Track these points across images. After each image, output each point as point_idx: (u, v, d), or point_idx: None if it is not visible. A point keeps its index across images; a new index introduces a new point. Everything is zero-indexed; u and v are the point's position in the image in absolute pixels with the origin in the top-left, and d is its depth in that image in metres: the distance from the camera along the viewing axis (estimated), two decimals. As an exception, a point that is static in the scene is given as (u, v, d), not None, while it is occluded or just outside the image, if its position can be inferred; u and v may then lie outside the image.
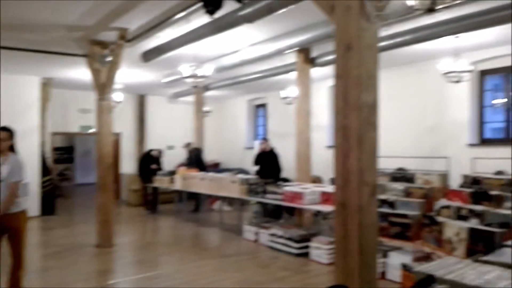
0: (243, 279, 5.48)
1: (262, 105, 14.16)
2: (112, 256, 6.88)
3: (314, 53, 7.81)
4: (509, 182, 4.62)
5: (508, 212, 4.40)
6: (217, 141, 15.12)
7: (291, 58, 7.94)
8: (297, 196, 6.81)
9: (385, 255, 5.52)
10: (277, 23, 6.09)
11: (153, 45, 7.43)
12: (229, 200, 10.00)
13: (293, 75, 8.35)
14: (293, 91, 8.92)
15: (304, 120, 7.77)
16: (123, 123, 13.16)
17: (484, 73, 8.31)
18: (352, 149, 2.79)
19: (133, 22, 6.16)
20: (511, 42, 6.81)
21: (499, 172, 4.84)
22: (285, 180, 8.86)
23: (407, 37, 6.11)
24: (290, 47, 6.77)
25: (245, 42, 7.29)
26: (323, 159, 8.99)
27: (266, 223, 7.70)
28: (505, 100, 8.01)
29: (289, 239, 6.72)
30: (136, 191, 12.16)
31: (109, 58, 7.09)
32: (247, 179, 8.09)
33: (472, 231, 4.50)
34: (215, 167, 13.75)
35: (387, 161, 6.93)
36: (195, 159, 10.97)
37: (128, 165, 13.59)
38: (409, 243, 5.46)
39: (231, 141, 15.00)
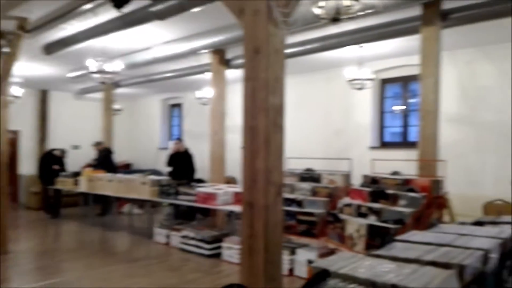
0: (152, 283, 5.33)
1: (177, 105, 13.92)
2: (7, 264, 6.25)
3: (229, 55, 7.87)
4: (403, 182, 5.05)
5: (402, 209, 4.81)
6: (129, 141, 14.54)
7: (206, 58, 7.92)
8: (210, 197, 6.79)
9: (293, 252, 5.73)
10: (190, 23, 6.05)
11: (56, 37, 6.93)
12: (140, 203, 9.66)
13: (208, 75, 8.33)
14: (208, 91, 8.90)
15: (219, 121, 7.79)
16: (22, 120, 12.06)
17: (384, 82, 9.04)
18: (260, 150, 2.86)
19: (34, 11, 5.69)
20: (408, 54, 7.49)
21: (395, 173, 5.29)
22: (200, 181, 8.80)
23: (315, 45, 6.42)
24: (204, 48, 6.76)
25: (158, 39, 7.12)
26: (238, 160, 9.07)
27: (178, 225, 7.56)
28: (403, 107, 8.77)
29: (201, 240, 6.69)
30: (36, 194, 11.26)
31: (6, 49, 6.48)
32: (159, 181, 7.89)
33: (371, 228, 4.86)
34: (126, 168, 13.21)
35: (296, 162, 7.23)
36: (104, 160, 10.42)
37: (27, 166, 12.48)
38: (315, 240, 5.74)
39: (144, 141, 14.52)
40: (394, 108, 9.03)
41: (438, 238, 2.55)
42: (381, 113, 9.17)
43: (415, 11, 5.38)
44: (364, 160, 8.52)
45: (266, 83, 2.75)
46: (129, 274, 5.77)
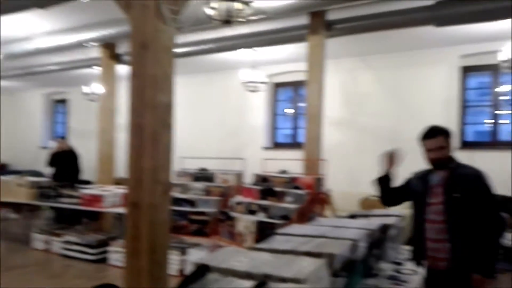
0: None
1: (62, 101, 12.90)
2: None
3: (120, 50, 7.54)
4: (290, 180, 5.35)
5: (288, 205, 5.09)
6: (6, 139, 13.08)
7: (95, 52, 7.48)
8: (96, 199, 6.44)
9: (184, 252, 5.69)
10: (77, 14, 5.68)
11: None
12: (15, 207, 8.74)
13: (97, 70, 7.88)
14: (97, 87, 8.41)
15: (108, 119, 7.42)
16: None
17: (277, 85, 9.46)
18: (146, 148, 2.79)
19: None
20: (299, 60, 7.91)
21: (283, 172, 5.59)
22: (86, 182, 8.25)
23: (210, 45, 6.49)
24: (92, 40, 6.39)
25: (40, 28, 6.53)
26: (129, 160, 8.73)
27: (59, 230, 7.02)
28: (293, 110, 9.27)
29: (86, 245, 6.33)
30: None
31: None
32: (38, 182, 7.27)
33: (259, 224, 5.06)
34: (1, 169, 11.88)
35: (191, 162, 7.21)
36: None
37: None
38: (207, 239, 5.79)
39: (24, 139, 13.20)
40: (285, 111, 9.50)
41: (314, 231, 2.75)
42: (274, 115, 9.58)
43: (304, 19, 5.74)
44: (258, 160, 8.86)
45: (154, 80, 2.70)
46: (4, 284, 5.23)
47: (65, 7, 4.78)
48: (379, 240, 3.06)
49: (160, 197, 2.88)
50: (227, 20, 3.62)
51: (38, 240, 6.95)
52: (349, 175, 8.21)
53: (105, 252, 6.20)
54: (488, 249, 2.50)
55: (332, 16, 5.74)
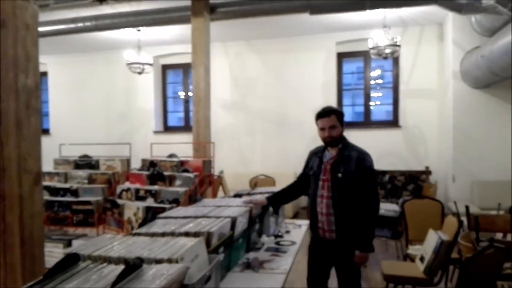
0: None
1: None
2: None
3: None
4: (179, 163, 5.33)
5: (178, 189, 5.08)
6: None
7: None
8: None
9: (69, 244, 5.37)
10: None
11: None
12: None
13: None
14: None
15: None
16: None
17: (165, 67, 9.25)
18: (10, 135, 2.57)
19: None
20: (187, 42, 7.82)
21: (172, 155, 5.52)
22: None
23: (88, 23, 6.07)
24: None
25: None
26: None
27: None
28: (184, 93, 9.18)
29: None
30: None
31: None
32: None
33: (148, 209, 4.98)
34: None
35: (73, 149, 6.75)
36: None
37: None
38: (93, 228, 5.52)
39: None
40: (178, 94, 9.36)
41: (196, 212, 2.82)
42: (164, 98, 9.38)
43: (188, 1, 5.68)
44: (148, 144, 8.63)
45: (15, 61, 2.47)
46: None
47: None
48: (260, 216, 3.25)
49: (29, 188, 2.68)
50: (101, -1, 3.44)
51: None
52: (241, 156, 8.47)
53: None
54: (367, 227, 2.78)
55: (215, -1, 5.80)
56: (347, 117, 8.31)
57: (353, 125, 8.12)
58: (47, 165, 6.91)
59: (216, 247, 2.33)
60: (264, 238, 3.29)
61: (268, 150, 8.34)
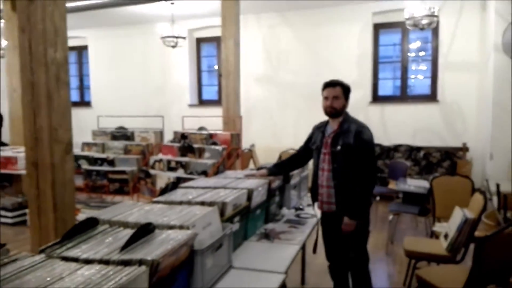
0: None
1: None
2: None
3: None
4: (208, 136, 5.44)
5: (206, 161, 5.22)
6: None
7: (-2, 4, 6.86)
8: (9, 161, 6.15)
9: (105, 211, 5.68)
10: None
11: None
12: None
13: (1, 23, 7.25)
14: (2, 42, 7.75)
15: (16, 77, 6.93)
16: None
17: (199, 41, 9.29)
18: (42, 107, 2.73)
19: None
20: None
21: (201, 128, 5.64)
22: (4, 144, 7.80)
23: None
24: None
25: None
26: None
27: (-27, 194, 6.66)
28: (217, 66, 9.22)
29: (2, 208, 6.09)
30: None
31: None
32: None
33: (178, 180, 5.16)
34: None
35: (110, 121, 7.03)
36: None
37: None
38: (128, 197, 5.81)
39: None
40: (211, 67, 9.42)
41: (216, 183, 2.90)
42: (199, 71, 9.48)
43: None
44: (183, 117, 8.82)
45: (44, 35, 2.60)
46: None
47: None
48: (280, 188, 3.31)
49: (60, 157, 2.85)
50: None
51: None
52: (272, 130, 8.49)
53: (23, 214, 6.02)
54: (357, 196, 2.81)
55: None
56: (384, 91, 8.09)
57: (389, 99, 7.91)
58: (89, 136, 7.27)
59: (231, 216, 2.41)
60: (285, 211, 3.36)
61: (299, 124, 8.30)
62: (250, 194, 2.70)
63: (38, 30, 2.62)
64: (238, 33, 5.77)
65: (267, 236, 2.75)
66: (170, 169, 5.40)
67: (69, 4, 2.68)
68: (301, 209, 3.47)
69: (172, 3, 6.80)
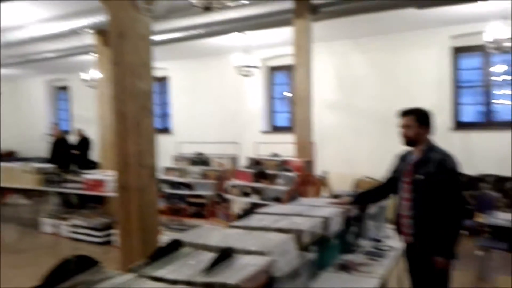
0: (38, 272, 5.05)
1: (64, 88, 13.06)
2: None
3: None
4: (281, 162, 5.49)
5: (279, 187, 5.24)
6: (12, 127, 13.32)
7: (90, 39, 7.58)
8: (99, 184, 6.63)
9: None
10: (66, 1, 5.75)
11: None
12: (26, 193, 9.01)
13: (93, 57, 8.00)
14: (95, 73, 8.54)
15: (107, 105, 7.55)
16: None
17: (273, 69, 9.51)
18: (130, 134, 2.94)
19: None
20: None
21: (275, 155, 5.70)
22: (94, 168, 8.50)
23: (200, 31, 6.54)
24: (86, 28, 6.48)
25: (31, 17, 6.64)
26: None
27: (66, 214, 7.26)
28: (290, 94, 9.33)
29: (92, 228, 6.54)
30: None
31: None
32: (43, 168, 7.45)
33: (253, 205, 5.22)
34: (9, 156, 12.15)
35: (190, 146, 7.37)
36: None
37: None
38: (205, 220, 5.98)
39: (29, 126, 13.42)
40: (284, 94, 9.56)
41: (291, 210, 2.90)
42: (271, 99, 9.65)
43: (289, 3, 5.77)
44: (256, 143, 8.99)
45: (133, 68, 2.82)
46: (14, 265, 5.48)
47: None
48: (357, 217, 3.21)
49: (146, 180, 3.03)
50: (207, 7, 3.71)
51: (47, 224, 7.18)
52: (345, 157, 8.32)
53: (109, 234, 6.40)
54: (446, 232, 2.64)
55: (316, -1, 5.78)
56: (466, 117, 7.62)
57: (473, 125, 7.43)
58: (169, 161, 7.66)
59: (308, 245, 2.39)
60: (362, 241, 3.24)
61: (374, 152, 8.05)
62: (326, 222, 2.66)
63: (128, 63, 2.85)
64: (310, 61, 5.83)
65: (345, 267, 2.67)
66: (245, 194, 5.49)
67: (153, 38, 2.90)
68: (379, 241, 3.34)
69: (245, 34, 7.03)
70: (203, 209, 6.02)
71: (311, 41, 5.77)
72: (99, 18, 6.17)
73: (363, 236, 3.33)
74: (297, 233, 2.32)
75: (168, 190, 6.24)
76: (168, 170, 6.79)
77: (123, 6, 2.69)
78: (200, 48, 8.33)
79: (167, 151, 8.08)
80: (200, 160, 6.58)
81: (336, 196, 3.47)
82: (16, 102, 13.67)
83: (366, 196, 3.22)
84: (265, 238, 2.18)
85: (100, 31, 7.13)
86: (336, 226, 2.79)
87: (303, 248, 2.34)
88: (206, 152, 7.06)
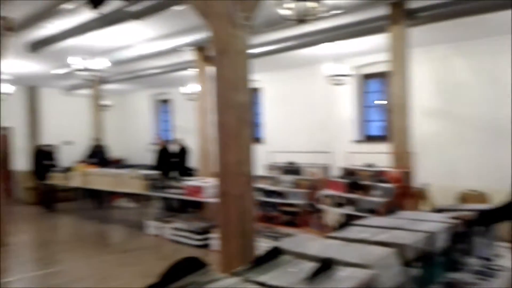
0: (144, 271, 5.54)
1: (166, 101, 14.09)
2: (6, 255, 6.46)
3: (211, 52, 8.03)
4: (376, 173, 5.31)
5: (375, 199, 5.07)
6: (120, 137, 14.68)
7: (190, 55, 8.10)
8: (198, 190, 6.99)
9: (277, 241, 5.94)
10: (170, 21, 6.23)
11: (40, 36, 7.10)
12: (133, 197, 9.87)
13: (193, 72, 8.52)
14: (194, 87, 9.10)
15: (205, 117, 7.98)
16: (13, 117, 12.15)
17: (366, 77, 9.26)
18: (230, 144, 3.09)
19: (16, 11, 5.85)
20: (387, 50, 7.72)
21: (370, 165, 5.52)
22: (191, 175, 9.02)
23: (292, 43, 6.64)
24: (187, 45, 6.95)
25: (140, 37, 7.30)
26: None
27: (169, 217, 7.78)
28: (384, 101, 9.00)
29: (191, 231, 6.88)
30: (31, 189, 11.38)
31: (-6, 48, 6.61)
32: (148, 175, 8.08)
33: (347, 217, 5.12)
34: (117, 163, 13.39)
35: (282, 156, 7.47)
36: (99, 155, 10.68)
37: (21, 162, 12.61)
38: (298, 229, 5.99)
39: (135, 136, 14.69)
40: (376, 102, 9.26)
41: (391, 223, 2.78)
42: (363, 107, 9.40)
43: (383, 10, 5.60)
44: (347, 153, 8.79)
45: (232, 82, 2.97)
46: (122, 263, 6.00)
47: (160, 16, 5.30)
48: (464, 234, 2.98)
49: (244, 188, 3.15)
50: (302, 19, 3.75)
51: (151, 227, 7.76)
52: (447, 168, 7.76)
53: (208, 238, 6.69)
54: None
55: (413, 4, 5.52)
56: None
57: None
58: (261, 170, 7.84)
59: (410, 260, 2.27)
60: (470, 259, 3.00)
61: (480, 162, 7.40)
62: (431, 238, 2.51)
63: (227, 77, 3.01)
64: (407, 67, 5.58)
65: (451, 286, 2.50)
66: (338, 204, 5.41)
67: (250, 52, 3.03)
68: (489, 259, 3.06)
69: (336, 44, 6.95)
70: (296, 218, 6.03)
71: (407, 47, 5.53)
72: (199, 36, 6.57)
73: (471, 254, 3.08)
74: (400, 248, 2.22)
75: (261, 198, 6.38)
76: (261, 178, 6.94)
77: (224, 23, 2.85)
78: (291, 59, 8.44)
79: (259, 160, 8.29)
80: (292, 169, 6.63)
81: (440, 210, 3.25)
82: (124, 114, 15.04)
83: (491, 216, 2.91)
84: (366, 250, 2.12)
85: (200, 47, 7.60)
86: (441, 242, 2.62)
87: (406, 263, 2.23)
88: (298, 161, 7.09)
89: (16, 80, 10.57)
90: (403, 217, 3.07)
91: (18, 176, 12.25)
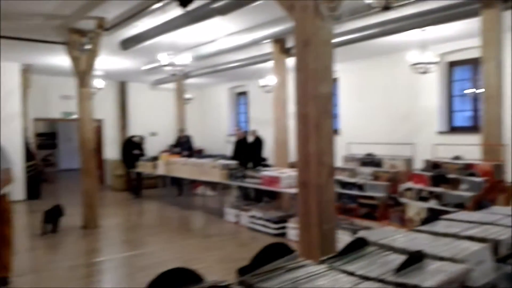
0: (224, 256, 5.81)
1: (243, 93, 14.41)
2: (98, 237, 7.15)
3: (289, 44, 8.08)
4: (464, 166, 5.01)
5: (463, 193, 4.80)
6: (201, 128, 15.34)
7: (268, 48, 8.20)
8: (274, 180, 7.12)
9: (355, 233, 5.88)
10: (251, 15, 6.35)
11: (131, 34, 7.62)
12: (212, 185, 10.31)
13: (270, 64, 8.62)
14: (271, 79, 9.22)
15: (281, 108, 8.06)
16: (105, 110, 13.23)
17: (452, 64, 8.70)
18: (311, 135, 3.12)
19: (111, 11, 6.34)
20: (476, 35, 7.18)
21: (457, 157, 5.21)
22: (265, 165, 9.20)
23: (375, 30, 6.43)
24: (265, 38, 7.04)
25: (222, 32, 7.54)
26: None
27: (246, 206, 8.02)
28: (472, 90, 8.41)
29: (268, 220, 7.04)
30: (120, 176, 12.33)
31: (88, 46, 7.23)
32: (227, 164, 8.38)
33: (431, 211, 4.91)
34: (199, 153, 14.01)
35: (360, 147, 7.31)
36: (185, 145, 11.35)
37: (112, 151, 13.73)
38: (377, 222, 5.86)
39: (214, 128, 15.24)
40: (464, 91, 8.67)
41: (483, 218, 2.64)
42: (450, 97, 8.86)
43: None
44: (431, 145, 8.36)
45: (315, 73, 2.98)
46: (204, 247, 6.34)
47: (242, 10, 5.45)
48: None
49: (325, 178, 3.17)
50: (387, 7, 3.64)
51: (230, 214, 8.07)
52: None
53: (284, 227, 6.80)
54: None
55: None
56: None
57: None
58: (338, 161, 7.73)
59: (504, 257, 2.15)
60: None
61: None
62: (528, 234, 2.34)
63: (311, 68, 3.03)
64: (502, 53, 5.16)
65: (550, 286, 2.32)
66: (421, 198, 5.20)
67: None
68: None
69: (424, 30, 6.62)
70: (375, 211, 5.90)
71: (502, 32, 5.11)
72: (277, 28, 6.63)
73: None
74: (493, 243, 2.12)
75: (339, 189, 6.32)
76: (338, 170, 6.88)
77: (308, 15, 2.87)
78: (370, 47, 8.18)
79: (335, 151, 8.18)
80: (371, 160, 6.48)
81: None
82: (204, 107, 15.66)
83: None
84: (457, 245, 2.05)
85: (277, 40, 7.67)
86: (540, 240, 2.44)
87: (500, 260, 2.12)
88: (376, 153, 6.89)
89: (107, 75, 11.46)
90: (495, 213, 2.90)
91: (109, 164, 13.33)
